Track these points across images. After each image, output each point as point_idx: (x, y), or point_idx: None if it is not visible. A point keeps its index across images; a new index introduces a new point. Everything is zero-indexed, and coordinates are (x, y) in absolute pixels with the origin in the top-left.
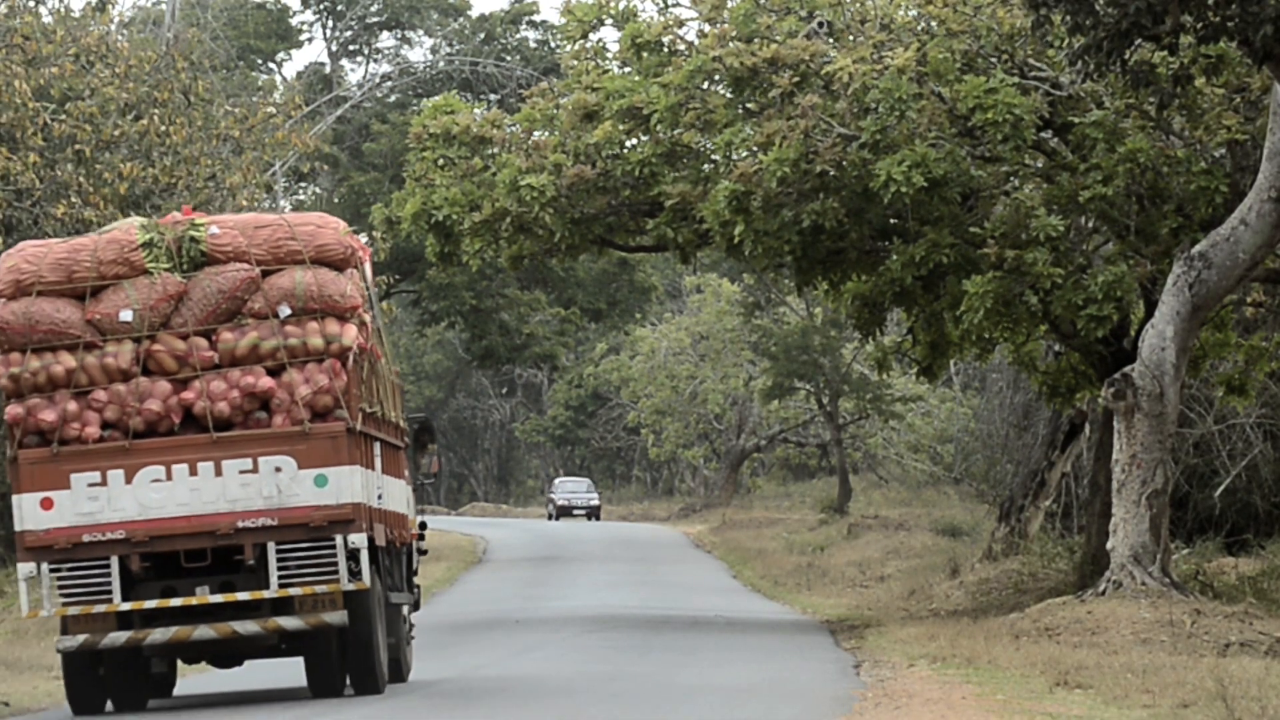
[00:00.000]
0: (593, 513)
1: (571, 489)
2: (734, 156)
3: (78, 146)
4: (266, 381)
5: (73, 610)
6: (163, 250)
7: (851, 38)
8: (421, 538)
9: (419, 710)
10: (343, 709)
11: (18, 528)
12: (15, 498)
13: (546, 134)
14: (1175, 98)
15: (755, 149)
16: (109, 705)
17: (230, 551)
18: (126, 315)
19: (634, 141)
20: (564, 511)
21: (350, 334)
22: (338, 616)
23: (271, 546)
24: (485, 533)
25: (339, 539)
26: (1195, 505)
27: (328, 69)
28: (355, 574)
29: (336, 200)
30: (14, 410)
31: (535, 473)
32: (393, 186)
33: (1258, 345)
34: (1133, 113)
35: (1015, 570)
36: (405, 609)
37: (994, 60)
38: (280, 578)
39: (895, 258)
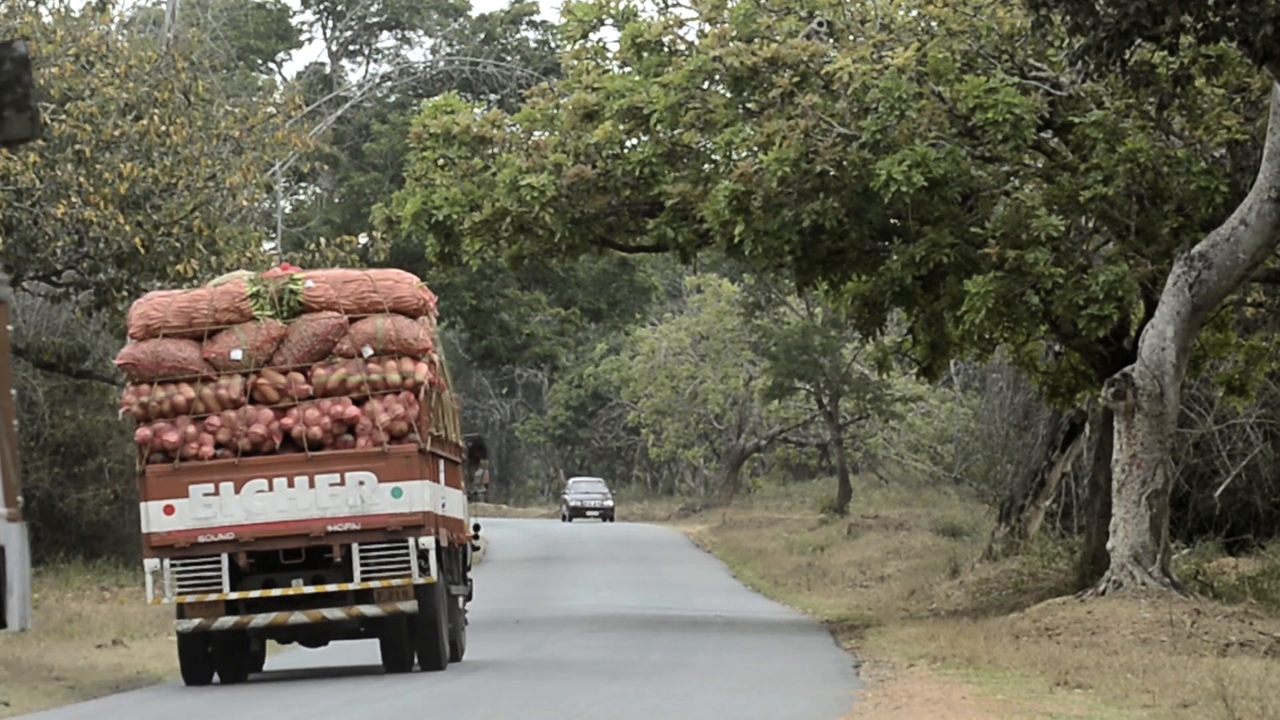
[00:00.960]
0: (606, 514)
1: (585, 490)
2: (734, 156)
3: (78, 146)
4: (352, 410)
5: (189, 598)
6: (267, 300)
7: (851, 38)
8: (475, 538)
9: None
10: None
11: (144, 530)
12: (143, 505)
13: (546, 134)
14: (1175, 98)
15: (755, 149)
16: (215, 678)
17: (321, 551)
18: (237, 354)
19: (634, 141)
20: (577, 512)
21: (422, 371)
22: (410, 605)
23: (355, 547)
24: (485, 533)
25: (411, 541)
26: (1195, 505)
27: (328, 69)
28: (424, 570)
29: (336, 200)
30: (143, 432)
31: (535, 473)
32: (393, 186)
33: (1258, 345)
34: (1133, 113)
35: (1015, 570)
36: (461, 599)
37: (994, 60)
38: (362, 573)
39: (895, 258)
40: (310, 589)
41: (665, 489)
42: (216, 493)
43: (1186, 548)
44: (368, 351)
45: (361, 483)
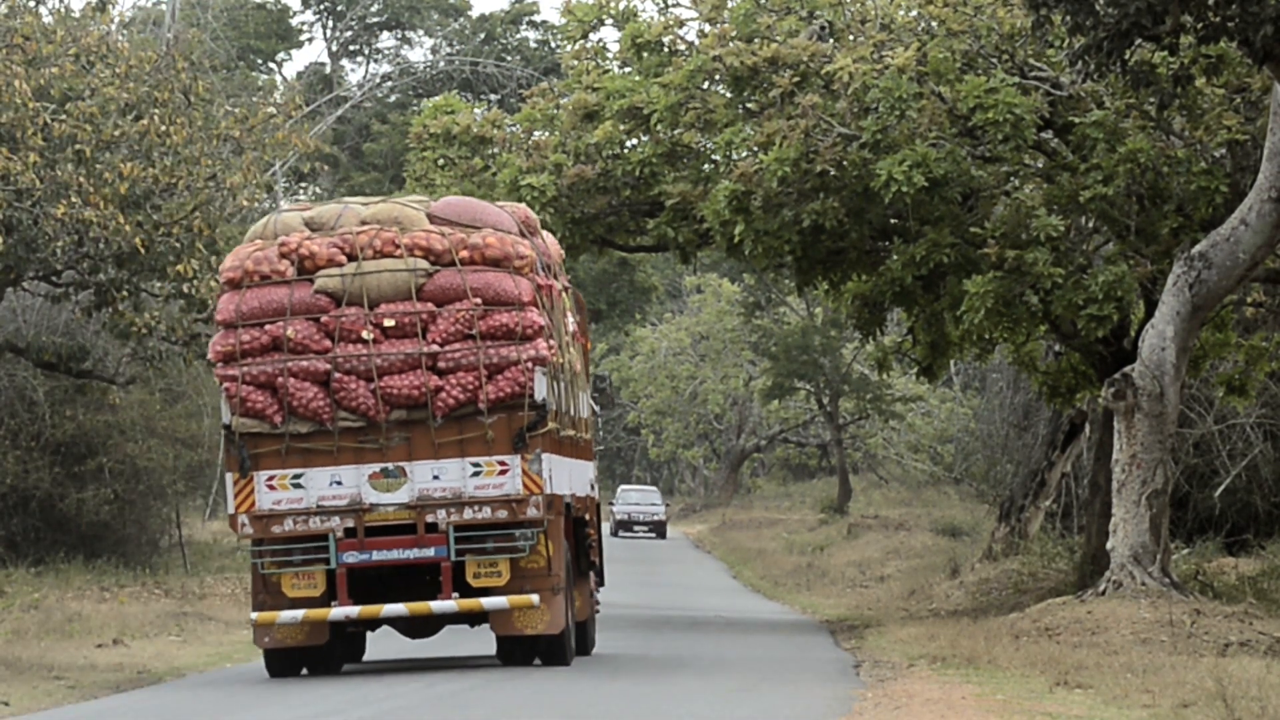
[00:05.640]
0: (658, 529)
1: (635, 500)
2: (734, 156)
3: (78, 146)
4: None
5: None
6: None
7: (852, 38)
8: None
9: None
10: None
11: None
12: None
13: (546, 134)
14: (1175, 98)
15: (755, 149)
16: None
17: None
18: None
19: (634, 141)
20: (624, 526)
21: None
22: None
23: None
24: None
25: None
26: (1195, 505)
27: (328, 69)
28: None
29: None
30: None
31: None
32: (393, 186)
33: (1258, 345)
34: (1133, 113)
35: (1015, 570)
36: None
37: (994, 60)
38: None
39: (895, 258)
40: None
41: (665, 489)
42: None
43: (1186, 548)
44: None
45: None
